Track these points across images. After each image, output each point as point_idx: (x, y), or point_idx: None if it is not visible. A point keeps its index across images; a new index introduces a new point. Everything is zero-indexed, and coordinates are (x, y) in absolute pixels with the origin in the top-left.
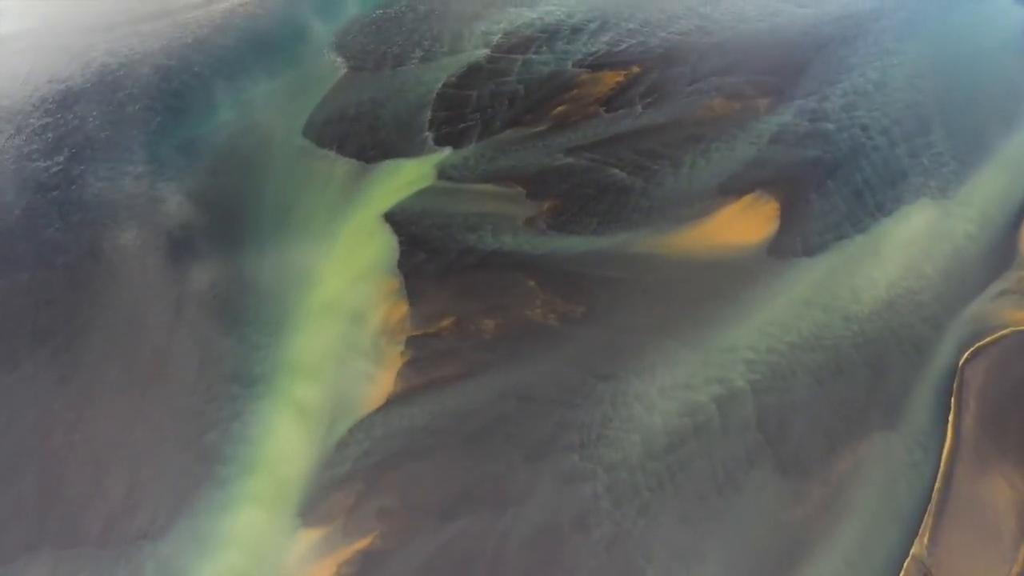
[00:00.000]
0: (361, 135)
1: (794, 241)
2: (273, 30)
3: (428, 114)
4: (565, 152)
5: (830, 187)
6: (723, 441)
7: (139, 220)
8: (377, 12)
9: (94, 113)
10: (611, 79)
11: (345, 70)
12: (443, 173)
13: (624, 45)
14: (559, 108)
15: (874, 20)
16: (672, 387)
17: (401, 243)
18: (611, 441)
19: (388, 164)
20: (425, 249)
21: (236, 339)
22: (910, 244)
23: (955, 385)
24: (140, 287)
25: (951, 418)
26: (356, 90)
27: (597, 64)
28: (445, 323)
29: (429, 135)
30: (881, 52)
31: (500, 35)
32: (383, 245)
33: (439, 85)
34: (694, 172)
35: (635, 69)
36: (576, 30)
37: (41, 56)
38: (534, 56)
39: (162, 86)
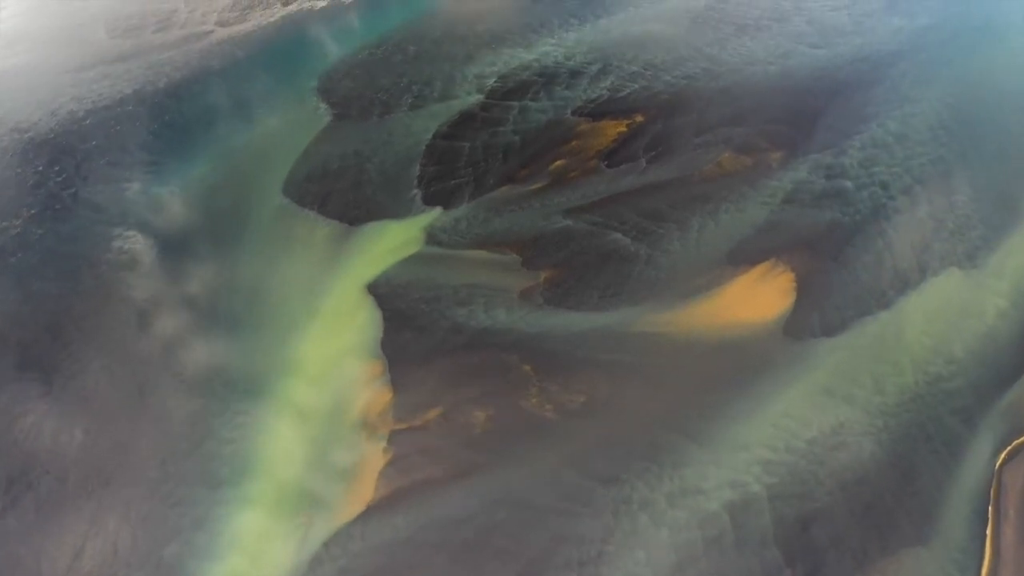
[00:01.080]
0: (345, 193)
1: (811, 319)
2: (253, 73)
3: (417, 169)
4: (564, 213)
5: (850, 255)
6: (737, 559)
7: (103, 289)
8: (364, 52)
9: (58, 167)
10: (613, 129)
11: (329, 118)
12: (432, 237)
13: (626, 91)
14: (557, 163)
15: (891, 63)
16: (681, 492)
17: (386, 320)
18: (613, 558)
19: (373, 226)
20: (411, 327)
21: (202, 434)
22: (937, 322)
23: (992, 491)
24: (98, 365)
25: (989, 531)
26: (340, 141)
27: (598, 112)
28: (432, 415)
29: (418, 193)
30: (900, 99)
31: (495, 79)
32: (366, 322)
33: (429, 136)
34: (702, 237)
35: (638, 118)
36: (576, 73)
37: (4, 103)
38: (531, 103)
39: (132, 137)
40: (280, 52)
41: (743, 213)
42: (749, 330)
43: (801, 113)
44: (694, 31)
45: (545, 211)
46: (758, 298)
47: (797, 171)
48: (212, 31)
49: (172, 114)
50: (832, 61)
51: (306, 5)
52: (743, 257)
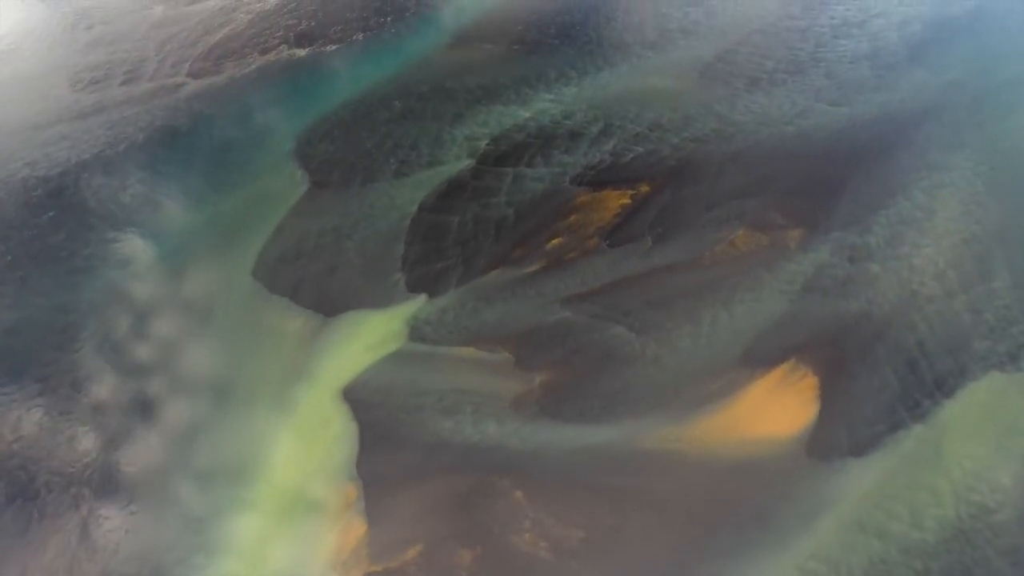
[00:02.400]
0: (321, 278)
1: (838, 435)
2: (224, 134)
3: (401, 247)
4: (561, 302)
5: (880, 354)
6: None
7: (51, 391)
8: (346, 109)
9: (6, 245)
10: (615, 201)
11: (306, 187)
12: (416, 331)
13: (630, 155)
14: (555, 241)
15: (916, 125)
16: None
17: (362, 434)
18: None
19: (352, 317)
20: (391, 443)
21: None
22: (979, 439)
23: None
24: (38, 482)
25: None
26: (318, 215)
27: (599, 181)
28: (411, 554)
29: (401, 277)
30: (928, 167)
31: (487, 141)
32: (340, 436)
33: (414, 208)
34: (715, 332)
35: (643, 188)
36: (575, 135)
37: None
38: (526, 169)
39: (90, 208)
40: (255, 109)
41: (760, 303)
42: (768, 448)
43: (821, 183)
44: (703, 86)
45: (541, 299)
46: (778, 408)
47: (818, 252)
48: (183, 84)
49: (133, 183)
50: (853, 121)
51: (284, 54)
52: (760, 357)
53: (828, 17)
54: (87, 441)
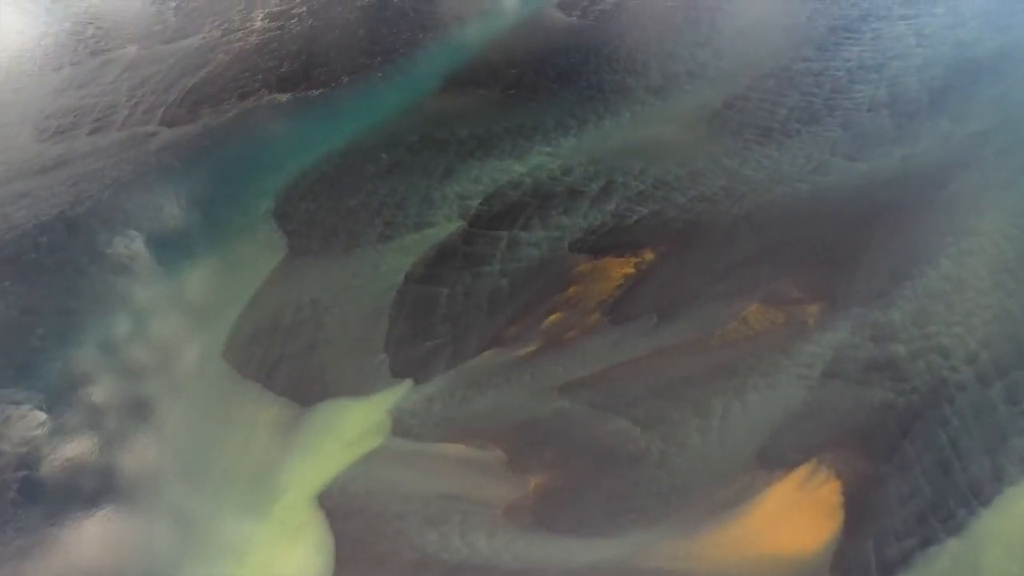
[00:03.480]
0: (298, 359)
1: (865, 550)
2: (198, 191)
3: (385, 324)
4: (559, 390)
5: (908, 454)
6: None
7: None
8: (330, 162)
9: None
10: (618, 270)
11: (285, 252)
12: (400, 424)
13: (634, 217)
14: (552, 317)
15: (940, 183)
16: None
17: (338, 547)
18: None
19: (330, 407)
20: (370, 559)
21: None
22: (1021, 556)
23: None
24: None
25: None
26: (296, 285)
27: (600, 247)
28: None
29: (384, 359)
30: (954, 231)
31: (480, 199)
32: (312, 552)
33: (400, 278)
34: (727, 426)
35: (648, 255)
36: (574, 193)
37: None
38: (522, 233)
39: (48, 277)
40: (231, 162)
41: (776, 391)
42: (788, 567)
43: (839, 250)
44: (711, 137)
45: (537, 386)
46: (797, 519)
47: (838, 331)
48: (155, 133)
49: (97, 246)
50: (872, 179)
51: (265, 100)
52: (777, 458)
53: (843, 59)
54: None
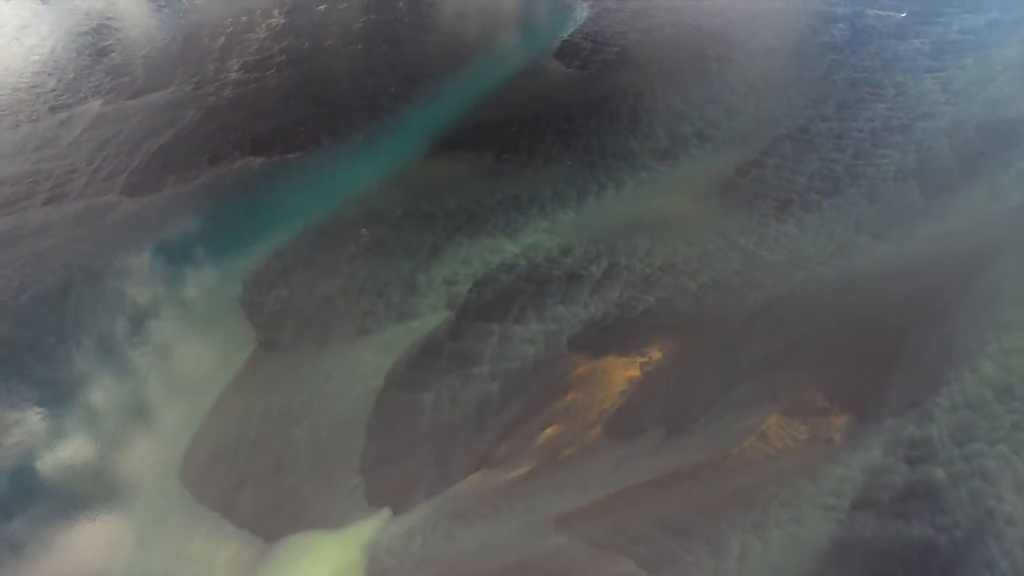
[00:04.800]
0: (262, 482)
1: None
2: (157, 274)
3: (362, 438)
4: (556, 523)
5: None
6: None
7: None
8: (306, 239)
9: None
10: (621, 373)
11: (253, 347)
12: (376, 565)
13: (639, 308)
14: (548, 431)
15: (978, 267)
16: None
17: None
18: None
19: (297, 542)
20: None
21: None
22: None
23: None
24: None
25: None
26: (264, 388)
27: (602, 344)
28: None
29: (360, 483)
30: (995, 326)
31: (469, 285)
32: None
33: (380, 381)
34: (745, 570)
35: (654, 354)
36: (574, 277)
37: None
38: (515, 326)
39: None
40: (197, 239)
41: (800, 527)
42: None
43: (867, 349)
44: (723, 211)
45: (530, 518)
46: None
47: (869, 450)
48: (116, 203)
49: (45, 343)
50: (901, 262)
51: (237, 165)
52: None
53: (866, 119)
54: None
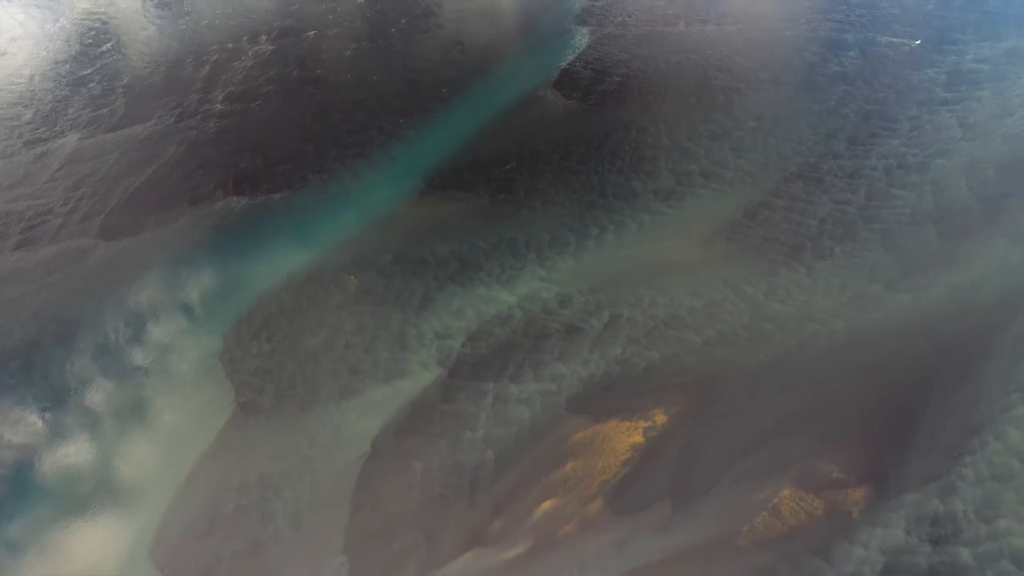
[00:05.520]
0: (239, 564)
1: None
2: (130, 327)
3: (346, 513)
4: None
5: None
6: None
7: None
8: (290, 288)
9: None
10: (624, 439)
11: (231, 410)
12: None
13: (642, 365)
14: (546, 504)
15: (1002, 323)
16: None
17: None
18: None
19: None
20: None
21: None
22: None
23: None
24: None
25: None
26: (242, 455)
27: (604, 408)
28: None
29: (344, 562)
30: (1020, 388)
31: (463, 339)
32: None
33: (367, 447)
34: None
35: (659, 417)
36: (573, 331)
37: None
38: (511, 385)
39: None
40: (176, 288)
41: None
42: None
43: (884, 413)
44: (731, 257)
45: None
46: None
47: (889, 527)
48: (93, 247)
49: (6, 404)
50: (919, 315)
51: (218, 205)
52: None
53: (880, 156)
54: None
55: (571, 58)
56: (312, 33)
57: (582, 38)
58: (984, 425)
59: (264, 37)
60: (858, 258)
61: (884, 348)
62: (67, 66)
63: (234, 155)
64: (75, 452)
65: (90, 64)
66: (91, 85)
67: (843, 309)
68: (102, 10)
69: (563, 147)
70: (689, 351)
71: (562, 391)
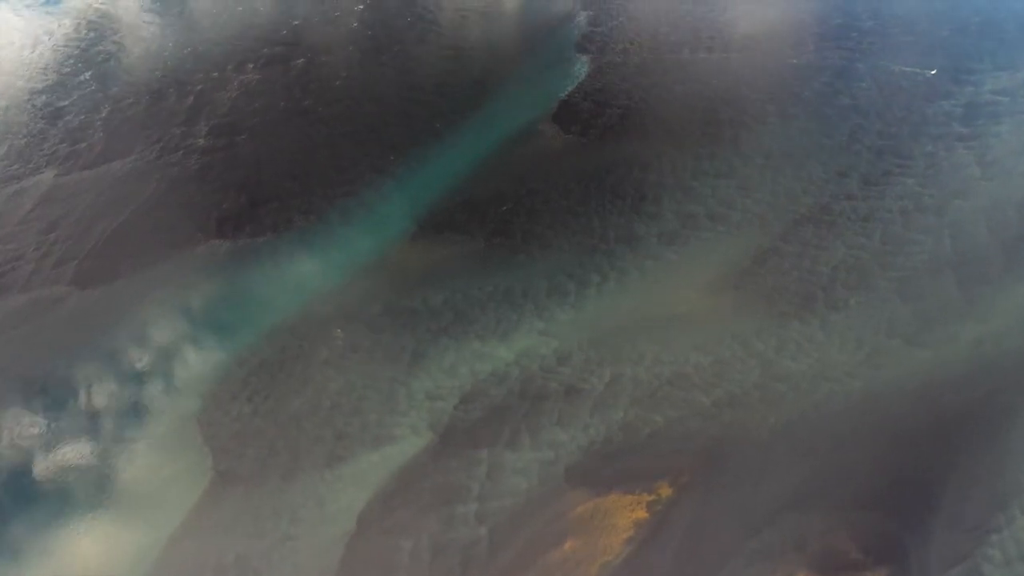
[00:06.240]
0: None
1: None
2: (101, 387)
3: None
4: None
5: None
6: None
7: None
8: (273, 343)
9: None
10: (627, 514)
11: (208, 478)
12: None
13: (646, 431)
14: None
15: None
16: None
17: None
18: None
19: None
20: None
21: None
22: None
23: None
24: None
25: None
26: (219, 535)
27: (604, 478)
28: None
29: None
30: None
31: (456, 401)
32: None
33: (352, 523)
34: None
35: (664, 490)
36: (572, 392)
37: None
38: (507, 452)
39: None
40: (151, 343)
41: None
42: None
43: (905, 485)
44: (740, 308)
45: None
46: None
47: None
48: (66, 295)
49: None
50: (940, 373)
51: (201, 249)
52: None
53: (895, 196)
54: None
55: (571, 88)
56: (301, 61)
57: (582, 66)
58: (1010, 498)
59: (251, 65)
60: (874, 309)
61: (903, 410)
62: (44, 96)
63: (217, 194)
64: (34, 530)
65: (68, 95)
66: (68, 118)
67: (859, 367)
68: (82, 36)
69: (562, 185)
70: (696, 414)
71: (561, 460)
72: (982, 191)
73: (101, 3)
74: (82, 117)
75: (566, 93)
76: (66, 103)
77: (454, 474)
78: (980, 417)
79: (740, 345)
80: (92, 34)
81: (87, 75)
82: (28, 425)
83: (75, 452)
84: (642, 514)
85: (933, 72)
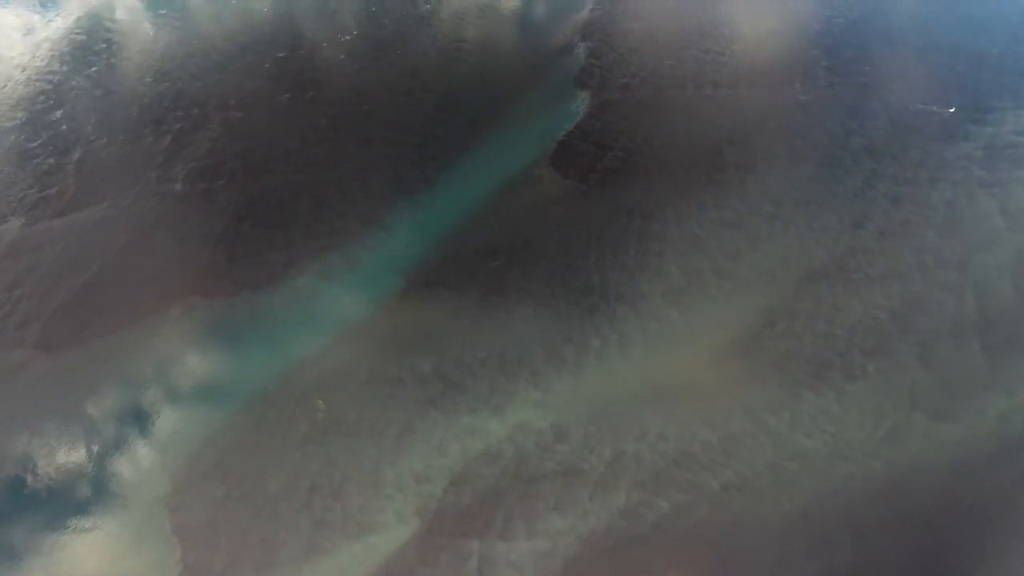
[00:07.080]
0: None
1: None
2: (60, 466)
3: None
4: None
5: None
6: None
7: None
8: (249, 416)
9: None
10: None
11: (178, 572)
12: None
13: (650, 517)
14: None
15: None
16: None
17: None
18: None
19: None
20: None
21: None
22: None
23: None
24: None
25: None
26: None
27: (606, 573)
28: None
29: None
30: None
31: (445, 483)
32: None
33: None
34: None
35: None
36: (571, 473)
37: None
38: (499, 544)
39: None
40: (117, 416)
41: None
42: None
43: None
44: (750, 377)
45: None
46: None
47: None
48: (27, 361)
49: None
50: (968, 451)
51: (173, 309)
52: None
53: (914, 250)
54: None
55: (569, 128)
56: (287, 97)
57: (581, 103)
58: None
59: (234, 101)
60: (894, 379)
61: (928, 495)
62: (12, 137)
63: (193, 246)
64: None
65: (38, 135)
66: (38, 160)
67: (879, 445)
68: (55, 69)
69: (560, 237)
70: (704, 499)
71: (558, 551)
72: (1006, 243)
73: (77, 35)
74: (52, 160)
75: (564, 133)
76: (36, 144)
77: (442, 569)
78: (1010, 503)
79: (750, 419)
80: (65, 68)
81: (58, 113)
82: None
83: (27, 543)
84: None
85: (952, 110)
